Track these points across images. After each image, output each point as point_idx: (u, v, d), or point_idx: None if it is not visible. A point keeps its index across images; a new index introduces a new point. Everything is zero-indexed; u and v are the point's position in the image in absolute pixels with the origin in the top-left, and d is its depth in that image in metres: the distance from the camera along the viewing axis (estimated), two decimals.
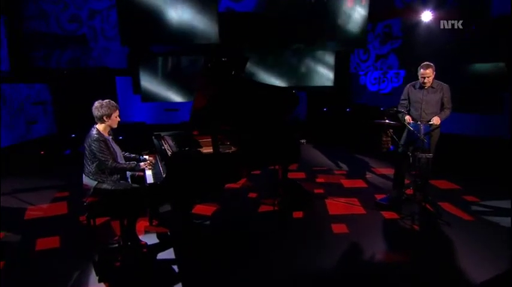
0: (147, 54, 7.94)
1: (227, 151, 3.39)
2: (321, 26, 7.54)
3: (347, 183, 5.26)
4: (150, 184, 3.02)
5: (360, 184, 5.23)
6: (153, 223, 3.89)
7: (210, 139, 3.80)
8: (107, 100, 3.29)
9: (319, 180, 5.42)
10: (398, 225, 3.82)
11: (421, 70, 3.97)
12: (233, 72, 3.36)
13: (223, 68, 3.22)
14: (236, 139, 3.57)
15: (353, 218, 4.01)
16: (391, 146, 7.32)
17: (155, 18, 7.23)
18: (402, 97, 4.27)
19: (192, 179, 2.96)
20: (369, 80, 8.77)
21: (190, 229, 3.22)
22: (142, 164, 3.40)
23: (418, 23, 6.58)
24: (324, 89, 8.49)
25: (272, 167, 4.22)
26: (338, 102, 8.88)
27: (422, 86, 4.05)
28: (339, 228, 3.78)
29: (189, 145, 3.49)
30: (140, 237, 3.46)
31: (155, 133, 4.16)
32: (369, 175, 5.61)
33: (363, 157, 6.77)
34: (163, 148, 3.53)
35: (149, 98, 8.04)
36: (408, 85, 4.23)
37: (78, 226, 3.94)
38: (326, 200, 4.56)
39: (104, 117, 3.25)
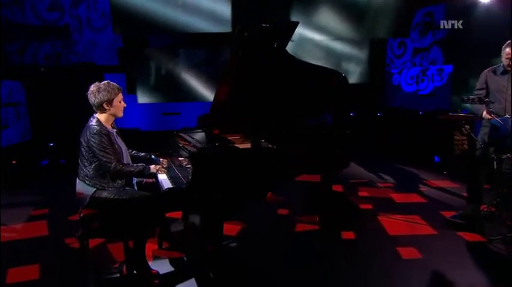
0: (144, 47, 7.56)
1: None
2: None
3: (398, 197, 4.84)
4: (169, 189, 2.54)
5: (415, 198, 4.81)
6: (163, 246, 3.39)
7: (238, 137, 3.40)
8: (105, 82, 2.85)
9: (362, 194, 5.00)
10: (488, 250, 3.32)
11: (506, 49, 3.56)
12: (275, 45, 2.95)
13: (263, 38, 2.81)
14: (273, 135, 3.13)
15: (423, 240, 3.54)
16: (435, 156, 6.92)
17: (155, 2, 6.87)
18: (478, 86, 3.84)
19: (229, 180, 2.49)
20: (404, 79, 8.41)
21: (220, 252, 2.72)
22: (152, 167, 2.94)
23: (472, 5, 6.24)
24: (352, 89, 8.09)
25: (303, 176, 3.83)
26: (367, 105, 8.50)
27: (506, 71, 3.63)
28: (408, 252, 3.30)
29: (216, 141, 3.05)
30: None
31: (167, 131, 3.77)
32: (423, 188, 5.20)
33: (408, 167, 6.41)
34: (180, 145, 3.08)
35: (147, 98, 7.63)
36: (486, 70, 3.81)
37: (63, 250, 3.48)
38: (379, 218, 4.11)
39: (104, 105, 2.80)
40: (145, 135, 7.29)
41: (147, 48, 7.64)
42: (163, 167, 3.02)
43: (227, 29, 6.85)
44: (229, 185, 2.50)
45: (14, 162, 6.24)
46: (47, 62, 7.74)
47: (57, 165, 6.78)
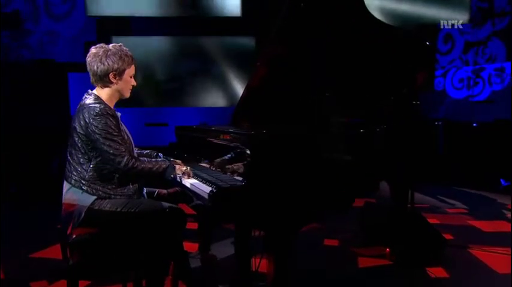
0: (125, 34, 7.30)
1: None
2: None
3: (484, 226, 4.59)
4: (216, 190, 2.04)
5: (507, 227, 4.52)
6: None
7: None
8: (116, 44, 2.41)
9: (431, 221, 4.61)
10: None
11: None
12: None
13: None
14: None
15: None
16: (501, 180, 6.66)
17: None
18: None
19: (309, 177, 2.07)
20: (451, 83, 8.19)
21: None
22: (177, 166, 2.48)
23: None
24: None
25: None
26: (401, 116, 8.22)
27: None
28: None
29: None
30: None
31: (178, 126, 3.41)
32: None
33: (470, 190, 6.42)
34: (216, 142, 2.67)
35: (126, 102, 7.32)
36: None
37: None
38: (470, 250, 3.77)
39: (111, 76, 2.35)
40: None
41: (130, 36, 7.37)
42: (187, 171, 2.55)
43: (236, 13, 6.65)
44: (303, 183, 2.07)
45: None
46: None
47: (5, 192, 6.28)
